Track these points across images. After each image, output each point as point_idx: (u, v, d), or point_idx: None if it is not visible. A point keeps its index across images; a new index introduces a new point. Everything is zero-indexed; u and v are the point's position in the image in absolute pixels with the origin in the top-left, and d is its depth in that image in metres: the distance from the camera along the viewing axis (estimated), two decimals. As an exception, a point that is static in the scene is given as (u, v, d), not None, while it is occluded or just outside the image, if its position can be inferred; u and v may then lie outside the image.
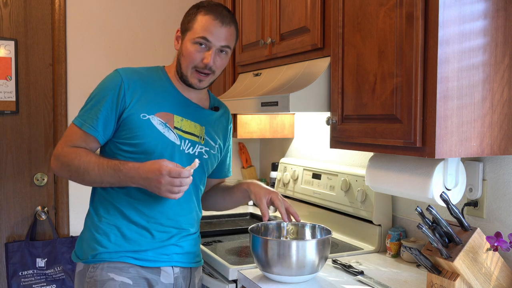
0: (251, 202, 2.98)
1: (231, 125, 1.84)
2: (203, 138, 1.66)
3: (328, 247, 1.63)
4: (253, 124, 2.68)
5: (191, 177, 1.45)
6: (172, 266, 1.60)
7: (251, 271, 1.73)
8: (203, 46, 1.55)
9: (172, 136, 1.57)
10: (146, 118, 1.54)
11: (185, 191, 1.51)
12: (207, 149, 1.67)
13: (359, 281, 1.63)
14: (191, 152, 1.61)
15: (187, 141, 1.60)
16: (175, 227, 1.60)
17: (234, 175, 3.11)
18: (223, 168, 1.84)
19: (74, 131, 1.55)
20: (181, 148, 1.59)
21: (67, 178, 1.59)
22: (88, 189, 2.77)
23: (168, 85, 1.63)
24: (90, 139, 1.54)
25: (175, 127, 1.58)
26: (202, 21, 1.56)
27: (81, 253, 1.59)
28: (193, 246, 1.67)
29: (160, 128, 1.55)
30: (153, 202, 1.56)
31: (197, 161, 1.47)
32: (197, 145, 1.63)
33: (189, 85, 1.61)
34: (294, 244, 1.58)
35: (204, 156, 1.65)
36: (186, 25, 1.59)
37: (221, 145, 1.75)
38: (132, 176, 1.46)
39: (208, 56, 1.56)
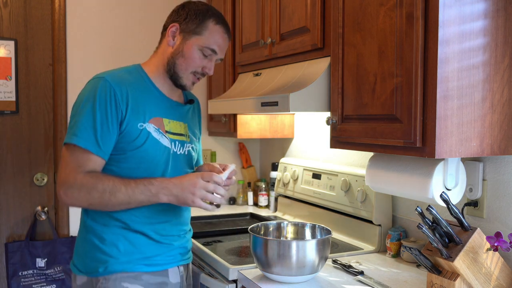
0: (251, 202, 2.99)
1: (201, 112, 1.85)
2: (188, 136, 1.66)
3: (328, 247, 1.63)
4: (253, 124, 2.68)
5: (226, 186, 1.47)
6: (178, 266, 1.62)
7: (251, 271, 1.73)
8: (207, 56, 1.56)
9: (165, 141, 1.55)
10: (142, 127, 1.50)
11: None
12: (193, 145, 1.67)
13: (359, 281, 1.63)
14: (182, 152, 1.61)
15: (177, 142, 1.59)
16: (174, 234, 1.61)
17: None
18: (197, 157, 1.81)
19: (76, 153, 1.44)
20: (172, 151, 1.57)
21: (85, 206, 1.48)
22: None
23: (151, 87, 1.58)
24: (97, 161, 1.46)
25: (166, 131, 1.56)
26: (214, 31, 1.55)
27: (83, 266, 1.55)
28: (189, 243, 1.71)
29: (156, 135, 1.52)
30: (155, 212, 1.55)
31: (232, 166, 1.52)
32: (185, 144, 1.63)
33: (180, 86, 1.60)
34: (294, 244, 1.58)
35: (192, 154, 1.66)
36: (192, 27, 1.55)
37: (199, 137, 1.77)
38: (165, 186, 1.44)
39: (210, 66, 1.57)
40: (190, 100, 1.73)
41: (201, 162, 1.84)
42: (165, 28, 1.63)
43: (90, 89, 1.49)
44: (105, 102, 1.45)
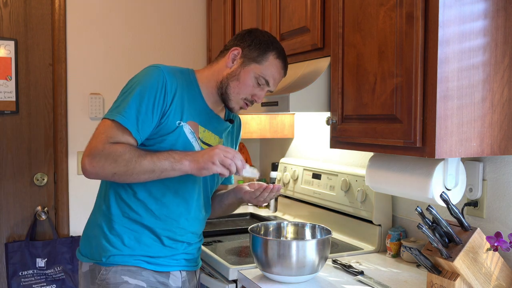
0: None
1: (240, 135, 1.85)
2: None
3: (328, 247, 1.63)
4: (253, 124, 2.68)
5: (242, 163, 1.47)
6: (180, 271, 1.62)
7: (251, 271, 1.73)
8: (260, 85, 1.58)
9: (196, 146, 1.56)
10: (180, 125, 1.52)
11: (198, 203, 1.60)
12: None
13: (359, 281, 1.63)
14: None
15: None
16: (184, 241, 1.61)
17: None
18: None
19: (114, 127, 1.45)
20: None
21: (109, 176, 1.44)
22: (89, 189, 2.75)
23: (197, 94, 1.59)
24: (131, 140, 1.46)
25: (199, 138, 1.57)
26: (272, 64, 1.58)
27: (88, 252, 1.56)
28: (197, 251, 1.71)
29: (190, 137, 1.54)
30: (169, 211, 1.56)
31: (256, 172, 1.54)
32: None
33: (227, 107, 1.62)
34: (294, 244, 1.58)
35: None
36: (254, 55, 1.57)
37: None
38: (187, 153, 1.45)
39: (260, 95, 1.60)
40: (230, 120, 1.73)
41: (232, 181, 1.86)
42: (226, 48, 1.63)
43: (144, 74, 1.52)
44: (156, 89, 1.47)
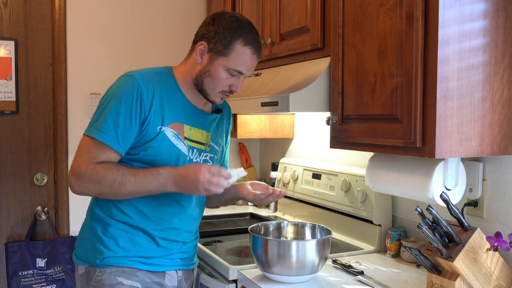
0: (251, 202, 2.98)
1: (231, 123, 1.83)
2: (209, 145, 1.65)
3: (328, 247, 1.63)
4: (253, 124, 2.68)
5: (228, 177, 1.46)
6: (176, 270, 1.62)
7: (251, 271, 1.73)
8: (234, 75, 1.54)
9: (182, 147, 1.55)
10: (161, 130, 1.51)
11: (191, 201, 1.61)
12: (212, 155, 1.66)
13: (359, 281, 1.63)
14: (197, 160, 1.61)
15: (194, 149, 1.59)
16: (179, 241, 1.61)
17: (234, 175, 3.11)
18: (221, 165, 1.81)
19: (94, 145, 1.46)
20: (188, 158, 1.57)
21: (95, 196, 1.52)
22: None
23: (177, 92, 1.57)
24: (113, 154, 1.47)
25: (185, 137, 1.56)
26: (241, 53, 1.51)
27: (84, 255, 1.57)
28: (193, 249, 1.70)
29: (173, 139, 1.53)
30: (162, 212, 1.56)
31: (243, 172, 1.51)
32: (202, 153, 1.62)
33: (208, 100, 1.59)
34: (294, 244, 1.58)
35: (208, 163, 1.64)
36: (220, 48, 1.51)
37: (223, 146, 1.76)
38: (172, 177, 1.45)
39: (237, 84, 1.56)
40: (218, 110, 1.70)
41: (227, 167, 1.84)
42: (194, 40, 1.59)
43: (118, 85, 1.51)
44: (131, 100, 1.47)
